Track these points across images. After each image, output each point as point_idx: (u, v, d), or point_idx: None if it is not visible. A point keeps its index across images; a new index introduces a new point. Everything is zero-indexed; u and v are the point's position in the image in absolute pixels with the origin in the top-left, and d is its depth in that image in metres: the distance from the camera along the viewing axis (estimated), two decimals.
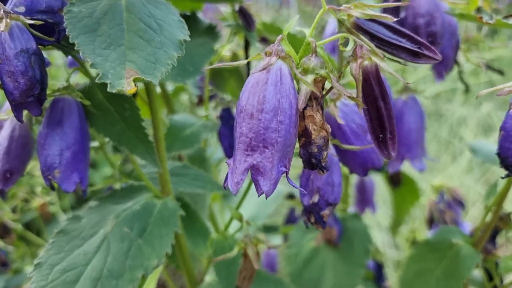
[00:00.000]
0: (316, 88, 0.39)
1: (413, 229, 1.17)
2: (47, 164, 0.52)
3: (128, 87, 0.39)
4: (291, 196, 1.16)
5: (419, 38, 0.40)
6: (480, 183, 1.89)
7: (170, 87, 0.94)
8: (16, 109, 0.46)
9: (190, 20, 0.75)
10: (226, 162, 0.40)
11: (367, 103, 0.40)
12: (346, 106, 0.52)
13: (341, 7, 0.40)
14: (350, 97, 0.39)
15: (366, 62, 0.39)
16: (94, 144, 0.66)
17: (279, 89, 0.37)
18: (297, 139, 0.41)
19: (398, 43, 0.40)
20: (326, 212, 0.52)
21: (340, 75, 0.42)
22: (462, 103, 2.23)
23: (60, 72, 1.41)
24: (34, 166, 0.99)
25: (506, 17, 0.61)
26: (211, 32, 0.75)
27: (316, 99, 0.40)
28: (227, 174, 0.39)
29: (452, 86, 2.13)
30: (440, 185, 1.07)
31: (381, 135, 0.41)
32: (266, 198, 0.38)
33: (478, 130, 2.17)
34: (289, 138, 0.38)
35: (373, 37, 0.40)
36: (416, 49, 0.39)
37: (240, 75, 0.91)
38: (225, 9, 0.85)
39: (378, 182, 1.26)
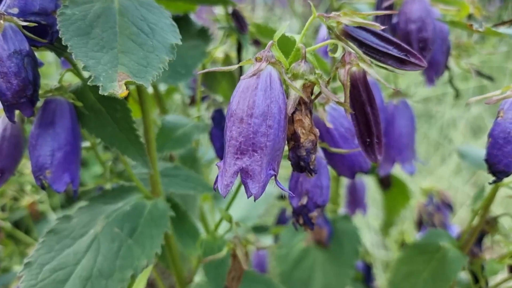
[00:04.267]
0: (305, 93, 0.40)
1: (402, 231, 1.18)
2: (39, 164, 0.52)
3: (120, 90, 0.39)
4: (282, 197, 1.16)
5: (406, 46, 0.40)
6: (468, 185, 1.91)
7: (162, 87, 0.94)
8: (8, 110, 0.47)
9: (183, 22, 0.76)
10: (217, 165, 0.40)
11: (354, 108, 0.41)
12: (335, 110, 0.52)
13: (331, 14, 0.41)
14: (338, 102, 0.40)
15: (354, 69, 0.40)
16: (86, 144, 0.66)
17: (268, 95, 0.38)
18: (286, 143, 0.41)
19: (385, 50, 0.40)
20: (314, 214, 0.53)
21: (329, 80, 0.43)
22: (452, 105, 2.24)
23: (51, 69, 1.40)
24: (24, 164, 0.98)
25: (496, 25, 0.62)
26: (204, 34, 0.75)
27: (305, 104, 0.40)
28: (217, 177, 0.40)
29: (443, 90, 2.15)
30: (429, 188, 1.08)
31: (368, 140, 0.41)
32: (255, 200, 0.39)
33: (468, 132, 2.19)
34: (278, 142, 0.39)
35: (361, 44, 0.41)
36: (403, 57, 0.40)
37: (232, 77, 0.91)
38: (219, 10, 0.85)
39: (368, 183, 1.27)
